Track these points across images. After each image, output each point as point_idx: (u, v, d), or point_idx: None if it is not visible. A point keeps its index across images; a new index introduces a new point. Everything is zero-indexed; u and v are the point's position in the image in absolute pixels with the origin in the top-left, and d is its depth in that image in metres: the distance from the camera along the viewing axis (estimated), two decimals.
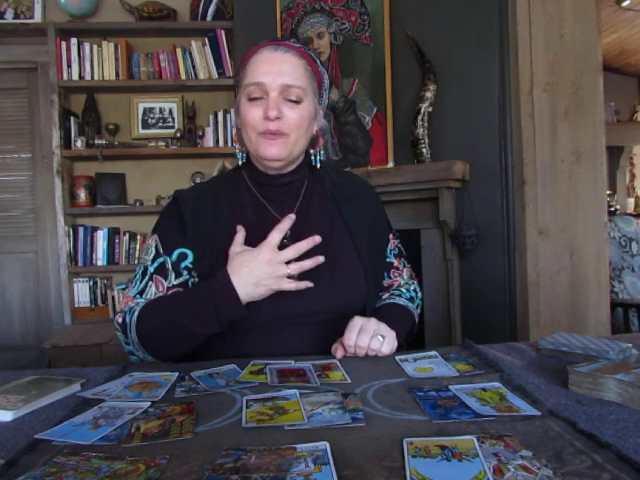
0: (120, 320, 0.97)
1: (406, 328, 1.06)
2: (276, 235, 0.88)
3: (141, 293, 1.00)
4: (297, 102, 0.98)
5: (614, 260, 2.66)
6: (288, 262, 0.88)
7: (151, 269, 1.01)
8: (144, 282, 1.00)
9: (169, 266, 1.00)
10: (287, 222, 0.89)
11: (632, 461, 0.48)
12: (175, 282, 1.00)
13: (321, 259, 0.89)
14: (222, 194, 1.07)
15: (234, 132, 1.08)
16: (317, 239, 0.88)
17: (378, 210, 1.16)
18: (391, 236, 1.17)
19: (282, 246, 0.93)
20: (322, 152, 1.10)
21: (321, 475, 0.47)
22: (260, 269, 0.86)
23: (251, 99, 0.98)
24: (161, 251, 1.02)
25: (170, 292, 1.00)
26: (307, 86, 1.00)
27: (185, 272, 1.01)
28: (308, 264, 0.88)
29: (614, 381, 0.66)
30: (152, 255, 1.02)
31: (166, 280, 1.00)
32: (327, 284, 0.97)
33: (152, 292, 0.99)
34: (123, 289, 3.05)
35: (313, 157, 1.09)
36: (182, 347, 0.95)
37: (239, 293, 0.86)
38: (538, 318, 1.95)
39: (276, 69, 0.96)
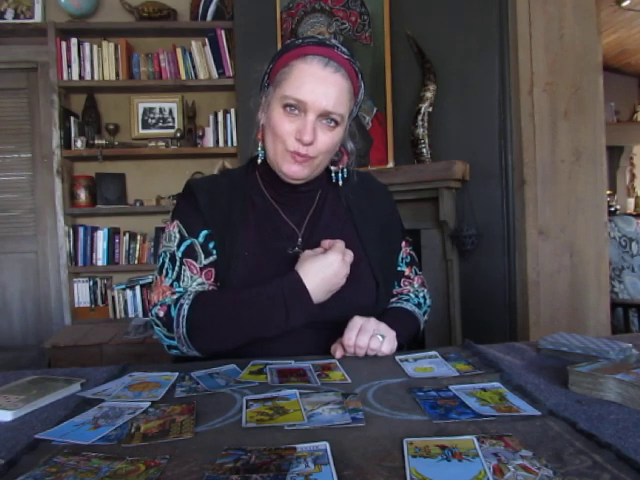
0: (162, 314, 0.92)
1: (409, 331, 1.05)
2: (343, 244, 0.92)
3: (177, 280, 0.96)
4: (333, 127, 0.95)
5: (614, 260, 2.66)
6: None
7: (179, 254, 0.98)
8: (177, 268, 0.97)
9: (198, 248, 0.98)
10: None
11: (632, 461, 0.48)
12: (206, 262, 0.98)
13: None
14: (235, 191, 1.04)
15: (258, 129, 1.03)
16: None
17: (392, 215, 1.15)
18: (404, 243, 1.15)
19: (294, 253, 0.95)
20: (345, 170, 1.07)
21: (321, 475, 0.47)
22: (335, 277, 0.89)
23: (287, 111, 0.93)
24: (186, 235, 0.99)
25: (214, 282, 0.98)
26: (346, 111, 0.97)
27: (215, 251, 0.99)
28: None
29: (614, 381, 0.66)
30: (177, 240, 0.99)
31: (197, 261, 0.98)
32: (336, 293, 0.97)
33: (188, 276, 0.96)
34: (123, 289, 3.05)
35: (334, 174, 1.07)
36: (236, 345, 0.91)
37: (313, 298, 0.87)
38: (538, 318, 1.95)
39: (322, 91, 0.91)
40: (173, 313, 0.91)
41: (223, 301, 0.92)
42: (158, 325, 0.94)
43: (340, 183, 1.07)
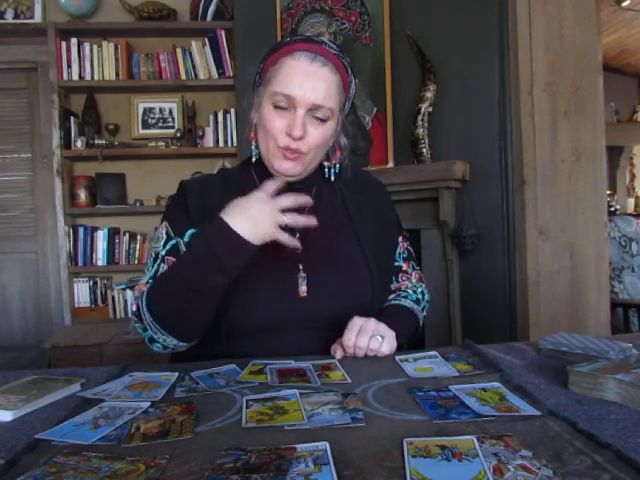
0: (135, 308, 0.94)
1: (408, 329, 1.05)
2: (271, 184, 0.86)
3: (153, 278, 0.97)
4: (323, 121, 0.95)
5: (614, 260, 2.66)
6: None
7: (163, 252, 0.98)
8: (156, 266, 0.98)
9: (182, 247, 0.98)
10: (279, 182, 0.87)
11: (632, 461, 0.48)
12: None
13: (314, 221, 0.88)
14: (229, 189, 1.04)
15: (250, 128, 1.03)
16: (314, 221, 0.88)
17: (389, 212, 1.15)
18: (401, 238, 1.15)
19: (291, 250, 0.93)
20: (338, 166, 1.06)
21: (321, 475, 0.47)
22: (257, 209, 0.82)
23: (277, 107, 0.93)
24: (172, 235, 1.00)
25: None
26: (336, 105, 0.96)
27: None
28: (302, 220, 0.86)
29: (614, 381, 0.66)
30: (163, 241, 1.00)
31: None
32: (332, 288, 0.96)
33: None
34: (123, 289, 3.06)
35: (327, 170, 1.06)
36: (195, 312, 0.89)
37: (237, 231, 0.81)
38: (538, 318, 1.95)
39: (310, 85, 0.91)
40: (140, 304, 0.92)
41: (165, 273, 0.93)
42: (136, 322, 0.95)
43: (332, 179, 1.07)
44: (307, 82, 0.92)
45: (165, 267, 0.97)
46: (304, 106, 0.92)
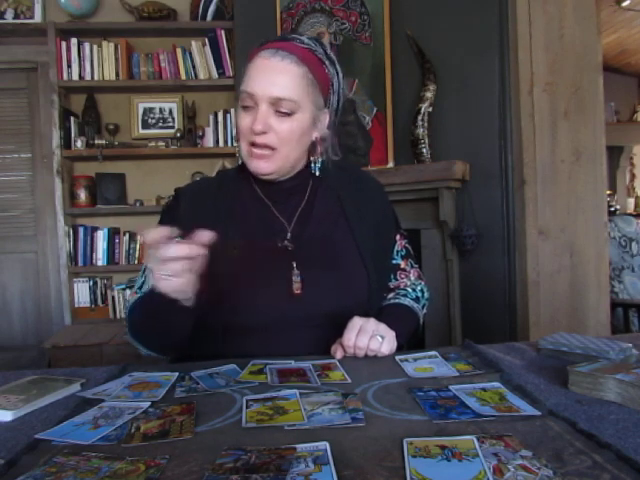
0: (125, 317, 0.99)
1: (409, 328, 1.05)
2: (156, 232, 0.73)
3: (141, 287, 1.00)
4: (288, 115, 0.94)
5: (614, 260, 2.66)
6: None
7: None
8: (144, 277, 1.00)
9: None
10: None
11: (632, 461, 0.48)
12: None
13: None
14: (224, 191, 1.05)
15: (236, 130, 1.07)
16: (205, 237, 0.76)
17: (385, 210, 1.14)
18: (398, 236, 1.14)
19: (283, 248, 0.93)
20: (320, 160, 1.06)
21: (321, 475, 0.47)
22: (151, 264, 0.77)
23: (243, 107, 0.95)
24: None
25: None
26: (302, 97, 0.94)
27: None
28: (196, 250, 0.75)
29: (614, 381, 0.66)
30: None
31: None
32: (329, 287, 0.96)
33: (149, 282, 0.99)
34: (123, 289, 3.06)
35: (313, 164, 1.06)
36: (164, 338, 0.92)
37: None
38: (538, 318, 1.95)
39: (268, 80, 0.92)
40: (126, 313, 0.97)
41: (145, 304, 0.92)
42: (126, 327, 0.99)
43: (317, 173, 1.06)
44: (265, 77, 0.93)
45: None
46: (265, 100, 0.93)
